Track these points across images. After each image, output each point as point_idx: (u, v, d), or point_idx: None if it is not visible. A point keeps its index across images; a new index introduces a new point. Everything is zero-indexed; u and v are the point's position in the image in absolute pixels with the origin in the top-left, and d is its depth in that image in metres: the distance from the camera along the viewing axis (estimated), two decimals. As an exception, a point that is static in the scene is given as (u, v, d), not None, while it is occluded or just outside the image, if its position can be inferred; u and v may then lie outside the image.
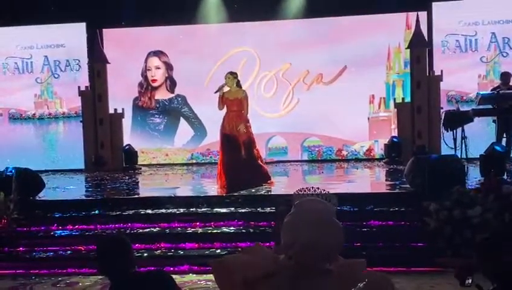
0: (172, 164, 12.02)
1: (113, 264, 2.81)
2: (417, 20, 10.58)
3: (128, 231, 6.72)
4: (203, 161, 12.07)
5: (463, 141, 9.68)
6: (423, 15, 11.04)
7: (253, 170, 7.91)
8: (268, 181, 8.07)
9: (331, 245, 2.01)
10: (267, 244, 6.20)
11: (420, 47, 10.54)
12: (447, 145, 10.07)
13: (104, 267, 2.84)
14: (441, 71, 10.67)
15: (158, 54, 12.31)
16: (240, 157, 7.88)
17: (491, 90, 9.84)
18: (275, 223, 6.37)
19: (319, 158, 11.82)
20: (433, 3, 11.25)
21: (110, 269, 2.82)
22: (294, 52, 11.76)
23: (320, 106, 11.54)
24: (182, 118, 12.38)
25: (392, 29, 11.55)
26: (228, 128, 8.02)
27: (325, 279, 2.01)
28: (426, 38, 10.77)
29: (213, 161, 10.75)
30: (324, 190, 2.25)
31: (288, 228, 2.05)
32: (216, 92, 7.99)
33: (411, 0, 11.08)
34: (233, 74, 8.13)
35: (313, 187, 2.27)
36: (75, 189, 9.01)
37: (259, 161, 8.11)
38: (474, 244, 2.44)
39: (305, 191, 2.28)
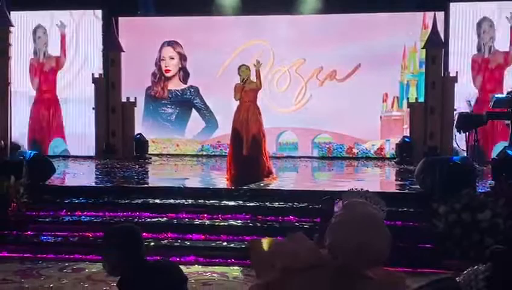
0: (182, 155, 12.03)
1: (125, 256, 2.70)
2: (434, 20, 10.49)
3: (136, 219, 6.75)
4: (213, 153, 12.07)
5: (475, 143, 9.61)
6: (440, 15, 10.95)
7: (255, 165, 7.95)
8: (270, 176, 8.09)
9: (380, 251, 1.99)
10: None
11: (436, 47, 10.45)
12: (458, 147, 10.01)
13: (114, 259, 2.73)
14: (456, 72, 10.60)
15: (172, 44, 12.31)
16: (246, 151, 7.92)
17: (507, 93, 9.74)
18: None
19: (330, 155, 11.77)
20: (451, 4, 11.15)
21: (121, 261, 2.71)
22: (309, 47, 11.70)
23: (332, 102, 11.49)
24: (193, 109, 12.38)
25: (409, 29, 11.45)
26: (241, 120, 8.07)
27: (365, 285, 1.98)
28: (442, 38, 10.68)
29: (223, 154, 10.75)
30: (373, 193, 2.24)
31: (338, 228, 2.01)
32: (243, 83, 8.02)
33: (429, 0, 10.97)
34: (246, 66, 8.23)
35: (362, 189, 2.26)
36: (84, 176, 9.04)
37: (263, 156, 8.13)
38: (487, 252, 2.41)
39: (354, 192, 2.26)
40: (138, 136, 11.56)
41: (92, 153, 11.60)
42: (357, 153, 11.72)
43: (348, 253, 1.96)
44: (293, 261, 2.03)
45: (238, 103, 8.20)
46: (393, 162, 10.75)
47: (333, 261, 2.00)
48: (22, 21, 12.24)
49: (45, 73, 12.27)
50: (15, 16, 11.95)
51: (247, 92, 8.06)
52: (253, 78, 8.13)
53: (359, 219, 2.01)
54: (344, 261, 1.98)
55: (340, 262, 1.98)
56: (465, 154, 9.62)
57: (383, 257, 2.01)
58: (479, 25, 11.18)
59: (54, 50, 12.30)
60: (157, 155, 11.87)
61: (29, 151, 8.01)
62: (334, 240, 2.00)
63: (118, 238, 2.80)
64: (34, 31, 12.26)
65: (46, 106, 12.30)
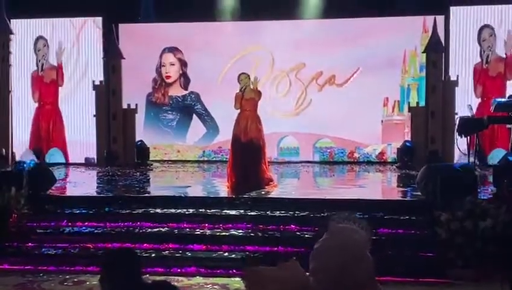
0: (183, 161, 12.02)
1: (124, 278, 2.75)
2: (434, 24, 10.47)
3: (137, 230, 6.74)
4: (214, 159, 12.05)
5: (476, 148, 9.57)
6: (441, 19, 10.92)
7: (256, 173, 7.94)
8: (271, 184, 8.08)
9: (360, 279, 1.99)
10: (275, 248, 6.26)
11: (437, 51, 10.43)
12: (460, 151, 9.98)
13: (113, 282, 2.78)
14: (457, 76, 10.58)
15: (173, 50, 12.30)
16: (245, 159, 7.92)
17: (508, 97, 9.71)
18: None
19: (331, 160, 11.75)
20: (451, 8, 11.13)
21: (120, 284, 2.75)
22: (309, 52, 11.67)
23: (333, 107, 11.47)
24: (194, 115, 12.37)
25: (409, 33, 11.42)
26: (241, 128, 8.08)
27: None
28: (443, 42, 10.66)
29: (224, 159, 10.72)
30: (359, 216, 2.25)
31: (319, 254, 2.05)
32: (242, 92, 8.02)
33: (429, 4, 10.93)
34: (246, 74, 8.23)
35: (348, 214, 2.28)
36: (85, 185, 9.03)
37: (263, 164, 8.12)
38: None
39: (340, 216, 2.27)
40: (139, 142, 11.56)
41: (94, 160, 11.62)
42: (359, 157, 11.70)
43: (328, 279, 1.99)
44: (282, 289, 2.07)
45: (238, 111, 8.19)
46: (394, 167, 10.72)
47: (317, 287, 2.02)
48: (23, 30, 12.24)
49: (46, 84, 12.26)
50: (17, 24, 12.03)
51: (247, 100, 8.07)
52: (252, 87, 8.13)
53: (339, 245, 2.03)
54: (325, 287, 2.00)
55: (322, 288, 2.00)
56: (467, 159, 9.58)
57: (364, 284, 2.02)
58: (479, 32, 11.15)
59: (54, 61, 12.29)
60: (158, 161, 11.87)
61: (29, 161, 7.97)
62: (315, 266, 2.04)
63: (117, 262, 2.85)
64: (35, 42, 12.26)
65: (47, 116, 12.29)
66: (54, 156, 12.15)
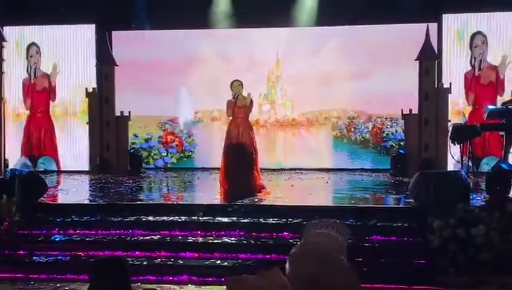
0: (177, 168, 12.02)
1: (114, 287, 2.75)
2: (427, 32, 10.49)
3: (129, 238, 6.70)
4: (208, 165, 12.02)
5: (470, 155, 9.60)
6: (433, 26, 10.95)
7: (247, 181, 7.91)
8: (263, 191, 8.05)
9: (332, 283, 1.97)
10: (268, 256, 6.23)
11: (429, 59, 10.46)
12: (453, 158, 10.00)
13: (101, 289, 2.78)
14: (450, 84, 10.61)
15: (167, 57, 12.28)
16: (238, 166, 7.90)
17: (501, 104, 9.75)
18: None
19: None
20: (444, 15, 11.17)
21: None
22: (303, 59, 11.73)
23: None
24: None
25: (401, 40, 11.45)
26: (233, 135, 8.07)
27: None
28: (436, 50, 10.69)
29: (217, 166, 10.71)
30: (337, 221, 2.23)
31: (291, 259, 2.04)
32: (235, 99, 8.00)
33: (421, 12, 10.97)
34: (239, 82, 8.19)
35: (325, 219, 2.27)
36: (78, 192, 8.98)
37: (255, 172, 8.10)
38: None
39: (318, 222, 2.26)
40: (132, 150, 11.53)
41: (87, 167, 11.58)
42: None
43: (300, 285, 1.97)
44: None
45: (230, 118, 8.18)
46: (388, 174, 10.73)
47: None
48: (16, 37, 12.23)
49: (37, 92, 12.23)
50: (11, 31, 12.01)
51: (239, 108, 8.06)
52: (244, 94, 8.12)
53: (310, 252, 2.03)
54: None
55: None
56: (460, 166, 9.61)
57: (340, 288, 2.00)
58: (471, 38, 11.20)
59: (46, 68, 12.27)
60: (151, 169, 11.86)
61: (21, 169, 7.94)
62: (289, 272, 2.04)
63: (106, 270, 2.83)
64: (28, 48, 12.23)
65: (39, 124, 12.24)
66: (43, 164, 12.11)
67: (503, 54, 11.09)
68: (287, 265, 2.07)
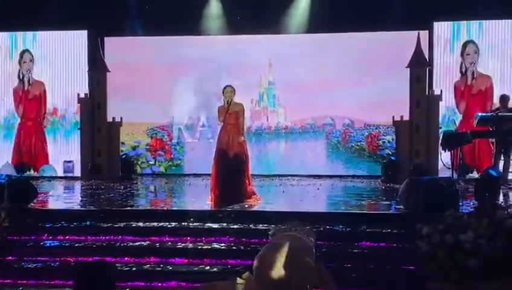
0: (168, 174, 12.01)
1: None
2: (418, 39, 10.56)
3: (118, 243, 6.68)
4: (199, 172, 12.01)
5: (460, 162, 9.64)
6: (424, 34, 11.02)
7: (238, 187, 7.91)
8: (253, 197, 8.05)
9: (299, 283, 1.98)
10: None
11: (420, 66, 10.52)
12: (444, 165, 10.03)
13: None
14: (441, 91, 10.67)
15: (159, 62, 12.30)
16: (228, 172, 7.90)
17: (491, 111, 9.81)
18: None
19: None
20: (435, 23, 11.24)
21: None
22: (295, 66, 11.77)
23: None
24: (181, 127, 12.40)
25: (392, 48, 11.51)
26: (224, 142, 8.05)
27: None
28: (427, 57, 10.75)
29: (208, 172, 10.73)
30: (305, 225, 2.24)
31: (257, 262, 2.03)
32: (227, 105, 7.98)
33: (412, 19, 11.04)
34: (231, 87, 8.17)
35: (296, 222, 2.28)
36: (68, 198, 8.96)
37: (245, 178, 8.09)
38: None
39: (284, 226, 2.27)
40: (124, 155, 11.52)
41: (78, 173, 11.56)
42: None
43: (267, 287, 1.97)
44: None
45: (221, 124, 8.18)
46: (379, 181, 10.76)
47: None
48: (8, 43, 12.22)
49: (29, 100, 12.22)
50: (2, 36, 12.01)
51: (231, 114, 8.03)
52: (237, 100, 8.13)
53: (275, 252, 2.02)
54: None
55: None
56: (451, 172, 9.64)
57: None
58: (463, 46, 11.27)
59: (39, 76, 12.26)
60: (143, 175, 11.85)
61: (10, 175, 7.91)
62: (255, 274, 2.06)
63: (91, 275, 2.84)
64: (21, 55, 12.22)
65: (30, 132, 12.22)
66: (44, 172, 12.09)
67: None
68: (253, 268, 2.06)
